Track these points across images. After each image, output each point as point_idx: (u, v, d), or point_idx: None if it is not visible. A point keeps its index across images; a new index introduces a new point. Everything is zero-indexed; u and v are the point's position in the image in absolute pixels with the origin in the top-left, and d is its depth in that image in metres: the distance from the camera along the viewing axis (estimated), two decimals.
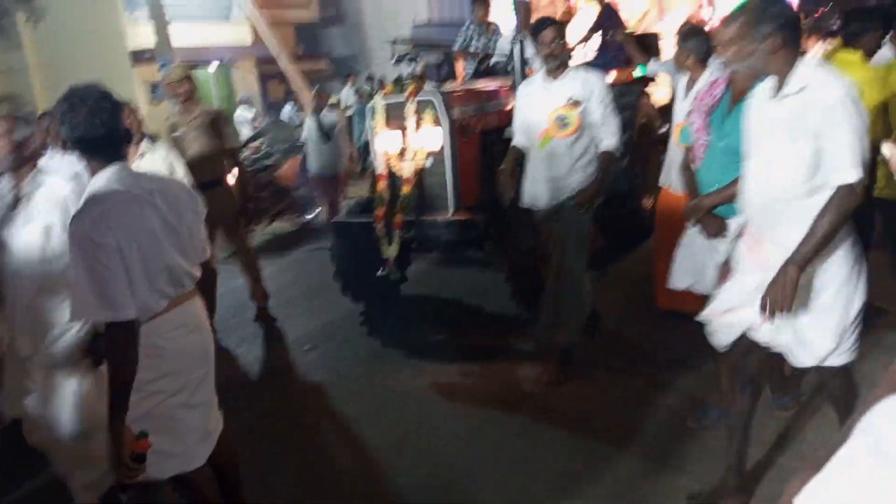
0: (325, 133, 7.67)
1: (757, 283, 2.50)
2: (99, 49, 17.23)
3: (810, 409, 3.50)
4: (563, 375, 4.10)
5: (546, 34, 3.89)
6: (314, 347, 5.01)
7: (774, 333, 2.56)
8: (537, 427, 3.68)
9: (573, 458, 3.34)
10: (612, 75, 5.96)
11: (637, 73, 6.21)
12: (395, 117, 4.76)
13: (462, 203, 4.78)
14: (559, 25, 4.00)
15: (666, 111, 5.73)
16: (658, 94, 6.85)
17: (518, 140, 4.14)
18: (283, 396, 4.36)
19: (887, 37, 4.33)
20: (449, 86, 5.38)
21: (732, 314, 2.67)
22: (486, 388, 4.16)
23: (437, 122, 4.62)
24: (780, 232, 2.46)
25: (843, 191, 2.29)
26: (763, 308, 2.36)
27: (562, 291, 4.01)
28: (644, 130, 6.41)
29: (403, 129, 4.72)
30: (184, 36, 16.20)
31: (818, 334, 2.49)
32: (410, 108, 4.66)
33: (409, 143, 4.71)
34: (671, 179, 4.23)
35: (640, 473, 3.18)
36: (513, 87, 5.01)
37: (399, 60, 4.94)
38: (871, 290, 2.53)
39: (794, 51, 2.35)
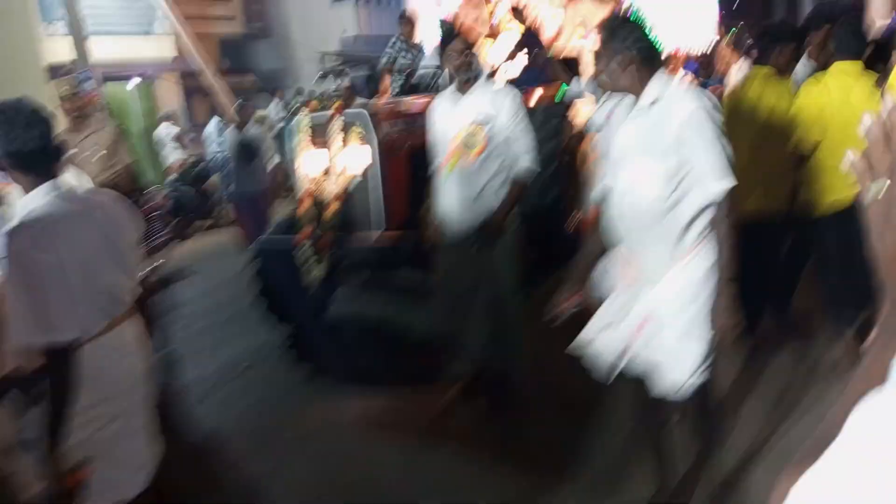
0: (250, 149, 7.39)
1: (622, 303, 2.52)
2: (11, 62, 16.41)
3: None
4: (497, 404, 3.99)
5: (454, 46, 3.69)
6: (236, 375, 4.82)
7: (634, 358, 2.52)
8: (476, 456, 3.55)
9: (513, 487, 3.27)
10: (539, 92, 6.00)
11: (558, 95, 6.27)
12: (319, 135, 4.64)
13: (391, 223, 4.69)
14: (464, 38, 3.83)
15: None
16: (584, 112, 6.92)
17: (436, 164, 3.90)
18: (206, 426, 4.16)
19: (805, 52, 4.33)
20: (376, 102, 5.30)
21: (605, 334, 2.60)
22: (421, 415, 3.97)
23: (364, 139, 4.53)
24: (647, 250, 2.47)
25: (725, 201, 2.37)
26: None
27: (496, 326, 3.80)
28: (572, 149, 6.45)
29: (329, 147, 4.61)
30: (104, 50, 15.61)
31: (676, 360, 2.42)
32: (336, 126, 4.55)
33: (335, 162, 4.60)
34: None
35: (581, 500, 3.13)
36: None
37: (325, 76, 4.83)
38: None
39: (648, 69, 2.43)
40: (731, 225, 2.41)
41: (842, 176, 3.60)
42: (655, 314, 2.43)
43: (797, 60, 4.15)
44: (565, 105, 6.47)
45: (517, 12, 6.56)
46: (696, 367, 2.41)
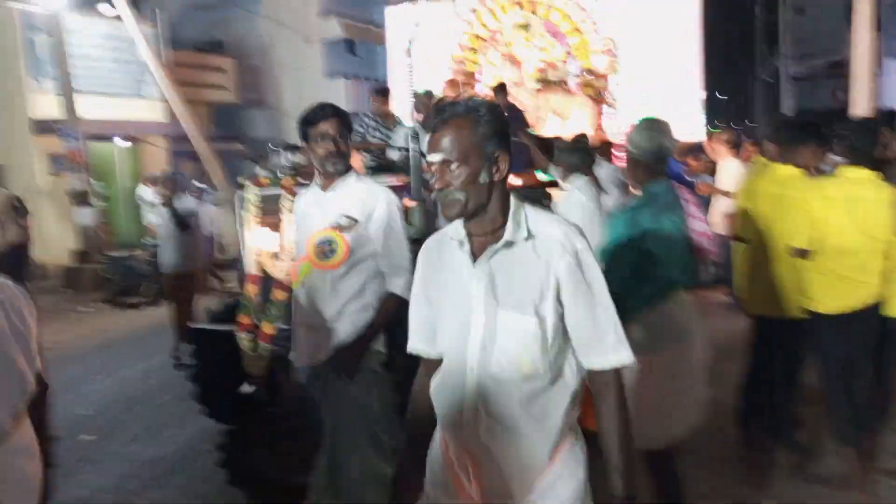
0: (181, 222, 6.76)
1: None
2: None
3: None
4: None
5: (320, 128, 2.91)
6: (162, 479, 4.15)
7: None
8: None
9: None
10: (512, 179, 5.56)
11: (542, 177, 5.85)
12: (270, 212, 4.12)
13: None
14: (341, 117, 2.98)
15: None
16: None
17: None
18: None
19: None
20: None
21: None
22: None
23: None
24: (514, 444, 1.74)
25: (614, 378, 1.76)
26: None
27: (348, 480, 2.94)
28: None
29: (280, 225, 4.07)
30: (93, 108, 15.32)
31: None
32: (287, 203, 4.03)
33: (286, 243, 4.06)
34: None
35: None
36: (406, 187, 4.51)
37: (285, 149, 4.34)
38: None
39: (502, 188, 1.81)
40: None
41: (846, 282, 3.56)
42: None
43: (821, 160, 3.88)
44: (544, 190, 6.04)
45: (501, 90, 6.21)
46: None
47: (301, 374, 3.12)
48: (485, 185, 1.72)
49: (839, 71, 27.66)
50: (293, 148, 4.36)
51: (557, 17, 7.97)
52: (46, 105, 15.43)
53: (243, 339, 3.95)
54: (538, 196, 5.87)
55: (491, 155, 1.72)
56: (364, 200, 2.95)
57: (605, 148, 6.13)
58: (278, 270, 4.04)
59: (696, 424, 2.97)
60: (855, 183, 3.55)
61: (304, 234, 3.06)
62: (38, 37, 15.86)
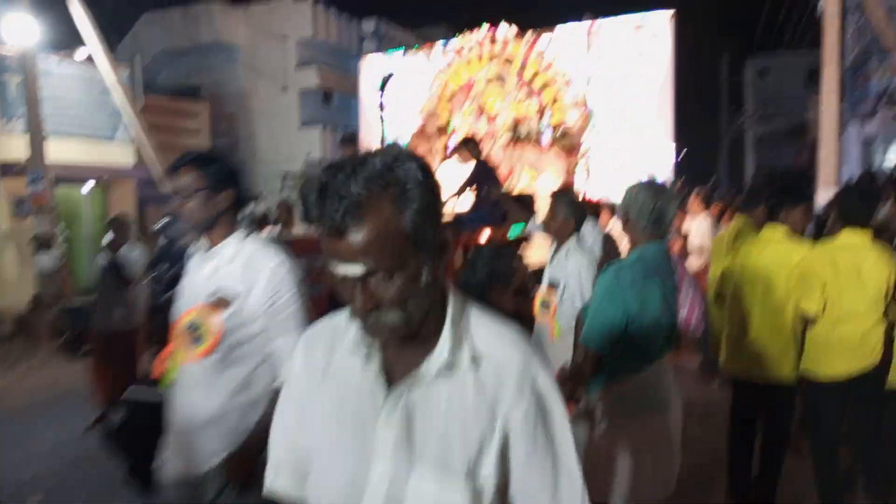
0: (123, 275, 5.89)
1: None
2: None
3: None
4: None
5: (177, 180, 2.31)
6: None
7: None
8: None
9: None
10: (486, 233, 5.27)
11: (512, 233, 5.57)
12: None
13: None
14: (201, 168, 2.31)
15: (540, 275, 5.05)
16: (534, 255, 6.23)
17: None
18: None
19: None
20: (288, 233, 4.48)
21: None
22: None
23: None
24: None
25: None
26: None
27: None
28: (520, 296, 5.67)
29: None
30: (63, 151, 14.89)
31: None
32: None
33: None
34: None
35: None
36: None
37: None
38: None
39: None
40: None
41: (849, 348, 3.46)
42: None
43: (809, 220, 3.84)
44: (517, 244, 5.75)
45: (471, 143, 5.96)
46: None
47: (172, 490, 2.42)
48: (428, 288, 1.15)
49: (800, 132, 28.39)
50: (251, 197, 4.03)
51: (531, 73, 7.82)
52: (15, 147, 14.97)
53: None
54: (509, 255, 5.54)
55: (431, 241, 1.14)
56: (247, 267, 2.30)
57: (593, 206, 5.89)
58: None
59: (669, 491, 2.80)
60: (857, 248, 3.48)
61: (175, 312, 2.41)
62: (10, 78, 15.49)
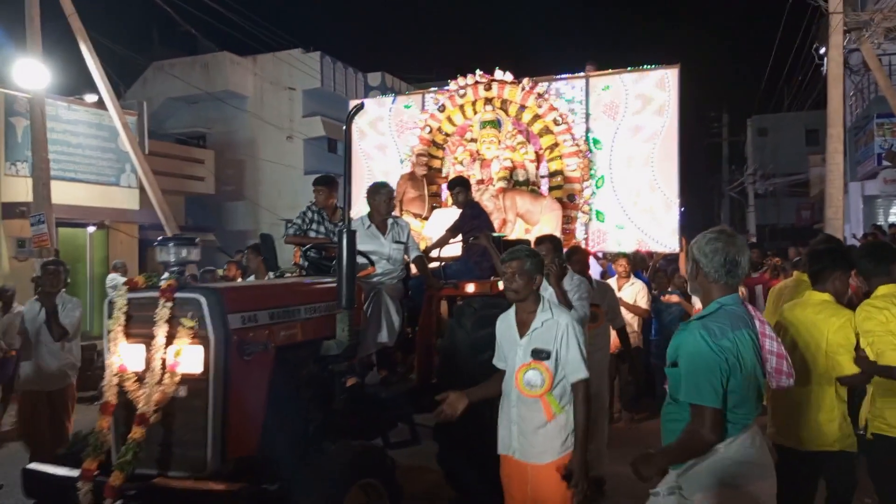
0: (58, 326, 4.97)
1: None
2: None
3: None
4: None
5: None
6: None
7: None
8: None
9: None
10: (471, 286, 4.57)
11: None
12: (141, 320, 3.04)
13: (229, 455, 2.99)
14: None
15: None
16: None
17: None
18: None
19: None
20: (236, 283, 3.79)
21: None
22: None
23: (196, 333, 2.93)
24: None
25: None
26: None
27: None
28: None
29: (150, 339, 2.99)
30: (68, 193, 14.49)
31: None
32: (163, 311, 2.97)
33: (155, 361, 2.97)
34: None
35: None
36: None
37: (164, 242, 3.30)
38: None
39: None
40: None
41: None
42: None
43: (847, 284, 3.62)
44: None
45: (459, 186, 5.25)
46: None
47: None
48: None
49: (800, 190, 27.85)
50: (190, 243, 3.34)
51: (529, 117, 7.18)
52: (20, 189, 14.67)
53: (82, 491, 2.79)
54: (504, 307, 4.74)
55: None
56: None
57: (582, 256, 5.13)
58: (142, 399, 2.93)
59: None
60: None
61: None
62: (19, 121, 15.29)
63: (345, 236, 3.51)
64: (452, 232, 5.03)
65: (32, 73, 12.88)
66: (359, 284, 4.13)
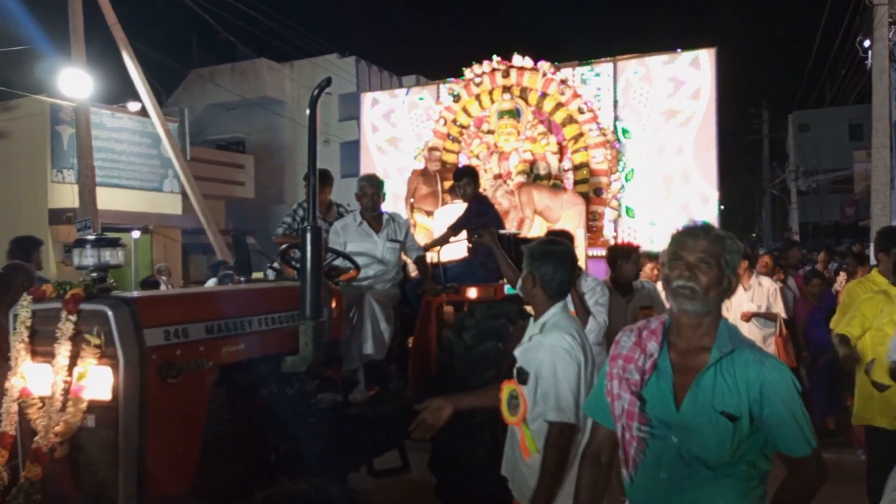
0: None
1: None
2: (17, 203, 15.53)
3: None
4: None
5: None
6: None
7: None
8: None
9: None
10: (473, 291, 3.84)
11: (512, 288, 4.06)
12: (46, 336, 2.41)
13: (149, 497, 2.33)
14: None
15: None
16: None
17: None
18: None
19: None
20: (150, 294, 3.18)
21: None
22: None
23: (103, 352, 2.28)
24: None
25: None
26: None
27: None
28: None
29: (53, 357, 2.36)
30: (111, 200, 14.35)
31: None
32: (66, 325, 2.32)
33: (57, 385, 2.33)
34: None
35: None
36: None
37: (81, 244, 2.67)
38: None
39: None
40: None
41: None
42: None
43: None
44: (516, 305, 4.20)
45: (466, 177, 4.46)
46: None
47: None
48: None
49: (844, 186, 26.20)
50: (112, 244, 2.72)
51: (551, 106, 6.38)
52: (66, 195, 14.71)
53: None
54: (508, 313, 3.98)
55: None
56: None
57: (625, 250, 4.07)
58: (40, 430, 2.29)
59: None
60: None
61: None
62: (64, 130, 15.34)
63: (308, 234, 2.84)
64: (454, 230, 4.28)
65: (77, 82, 12.88)
66: (341, 290, 3.46)
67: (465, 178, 4.40)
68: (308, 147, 3.17)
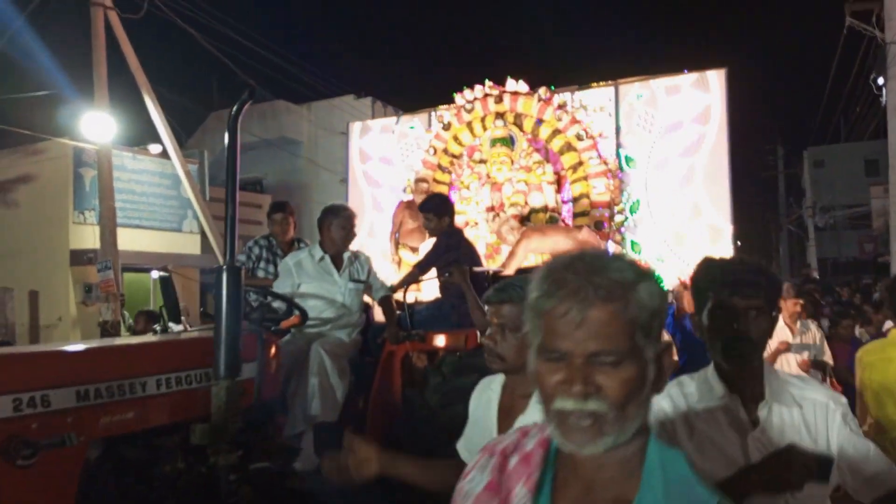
0: None
1: None
2: (39, 244, 15.47)
3: None
4: None
5: None
6: None
7: None
8: None
9: None
10: (441, 339, 3.20)
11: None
12: None
13: None
14: None
15: None
16: None
17: None
18: None
19: None
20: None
21: None
22: None
23: None
24: None
25: None
26: None
27: None
28: None
29: None
30: (131, 240, 14.15)
31: None
32: None
33: None
34: None
35: None
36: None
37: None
38: None
39: None
40: None
41: None
42: None
43: None
44: None
45: (433, 205, 3.83)
46: None
47: None
48: None
49: (861, 222, 25.12)
50: None
51: (547, 132, 5.79)
52: (88, 236, 14.58)
53: None
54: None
55: None
56: None
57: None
58: None
59: None
60: None
61: None
62: (87, 172, 15.30)
63: (224, 274, 2.25)
64: (422, 268, 3.65)
65: (100, 125, 12.89)
66: (277, 341, 2.86)
67: (430, 213, 3.72)
68: (227, 176, 2.60)
